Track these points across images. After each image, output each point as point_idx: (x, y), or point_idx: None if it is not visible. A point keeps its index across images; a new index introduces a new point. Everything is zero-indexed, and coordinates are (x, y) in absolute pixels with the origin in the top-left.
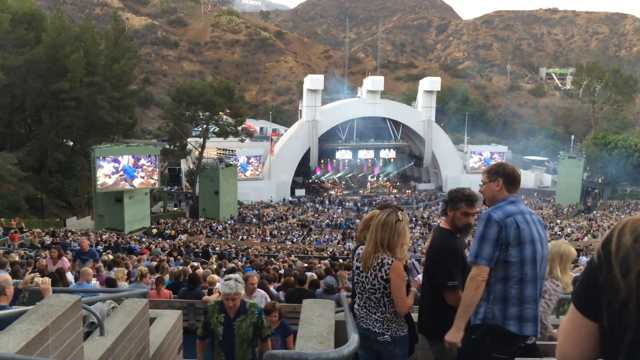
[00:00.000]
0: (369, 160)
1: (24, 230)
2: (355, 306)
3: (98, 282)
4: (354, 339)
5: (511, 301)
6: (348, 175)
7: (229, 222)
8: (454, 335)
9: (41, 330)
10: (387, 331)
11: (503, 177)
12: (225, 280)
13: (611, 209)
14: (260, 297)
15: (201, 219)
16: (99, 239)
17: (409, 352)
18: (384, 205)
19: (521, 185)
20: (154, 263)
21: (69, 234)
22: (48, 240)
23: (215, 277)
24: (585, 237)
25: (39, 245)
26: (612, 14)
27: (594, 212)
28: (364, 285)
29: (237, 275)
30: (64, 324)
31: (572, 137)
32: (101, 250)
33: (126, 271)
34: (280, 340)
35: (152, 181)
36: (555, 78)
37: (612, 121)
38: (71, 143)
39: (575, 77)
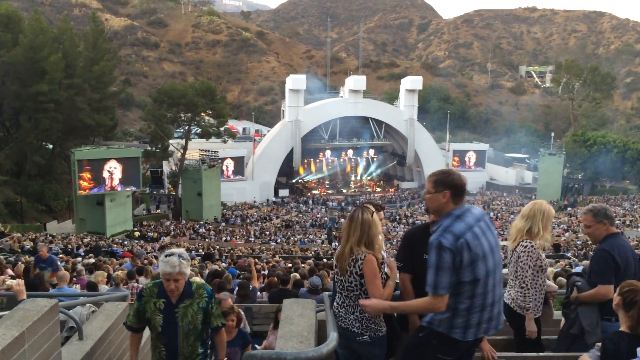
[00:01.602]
0: (352, 160)
1: (6, 234)
2: (335, 304)
3: (79, 286)
4: (332, 338)
5: (460, 313)
6: (331, 175)
7: (221, 224)
8: (376, 304)
9: (17, 335)
10: (366, 331)
11: (450, 189)
12: (166, 256)
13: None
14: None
15: (184, 221)
16: (80, 242)
17: (392, 351)
18: (366, 203)
19: (504, 182)
20: (139, 263)
21: (50, 237)
22: (28, 244)
23: (198, 279)
24: (566, 233)
25: (19, 250)
26: (590, 12)
27: (574, 208)
28: (342, 284)
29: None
30: (41, 328)
31: (552, 134)
32: (82, 253)
33: (106, 274)
34: (240, 353)
35: None
36: (534, 76)
37: (591, 118)
38: (51, 146)
39: (555, 75)
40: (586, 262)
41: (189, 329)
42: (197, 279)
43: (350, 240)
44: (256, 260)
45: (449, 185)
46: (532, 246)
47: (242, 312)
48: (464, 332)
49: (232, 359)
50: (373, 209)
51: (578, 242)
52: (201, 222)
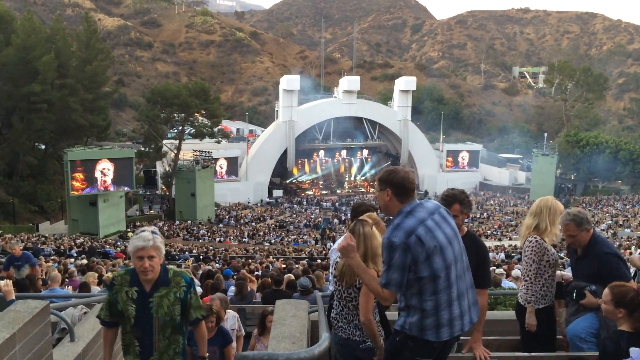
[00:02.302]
0: (346, 160)
1: None
2: (333, 314)
3: (71, 287)
4: (324, 338)
5: (427, 312)
6: (325, 175)
7: (218, 225)
8: (350, 250)
9: (7, 337)
10: (367, 338)
11: (391, 187)
12: (138, 232)
13: (584, 205)
14: (232, 318)
15: (177, 222)
16: (73, 243)
17: None
18: (359, 205)
19: (497, 183)
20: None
21: (42, 238)
22: (20, 245)
23: (175, 267)
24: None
25: (11, 251)
26: (583, 13)
27: (567, 209)
28: (341, 294)
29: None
30: (32, 330)
31: (545, 134)
32: (75, 254)
33: (97, 275)
34: (219, 352)
35: None
36: (527, 77)
37: (584, 119)
38: (43, 146)
39: (547, 76)
40: None
41: (165, 320)
42: (175, 267)
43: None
44: (250, 260)
45: (390, 183)
46: (536, 241)
47: (228, 312)
48: (437, 333)
49: (211, 358)
50: (371, 221)
51: None
52: (189, 222)
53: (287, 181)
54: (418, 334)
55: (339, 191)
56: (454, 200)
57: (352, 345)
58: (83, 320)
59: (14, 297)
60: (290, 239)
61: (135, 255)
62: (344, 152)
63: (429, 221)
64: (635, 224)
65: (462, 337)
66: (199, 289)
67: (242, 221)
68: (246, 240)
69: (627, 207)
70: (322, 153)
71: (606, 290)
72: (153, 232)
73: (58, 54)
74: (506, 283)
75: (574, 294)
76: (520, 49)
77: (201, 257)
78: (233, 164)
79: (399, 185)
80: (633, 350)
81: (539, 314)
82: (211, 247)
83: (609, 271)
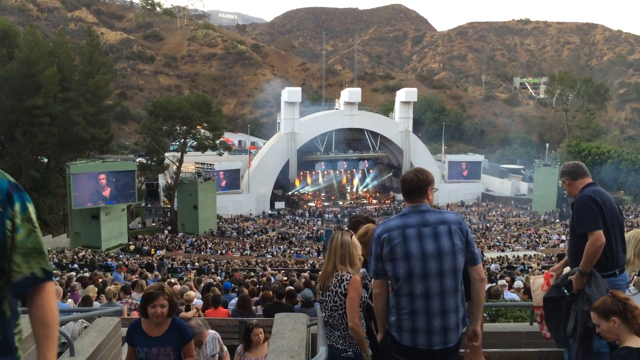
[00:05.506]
0: (348, 172)
1: None
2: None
3: (71, 300)
4: (322, 352)
5: (391, 310)
6: (327, 187)
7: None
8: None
9: None
10: (349, 347)
11: (401, 187)
12: None
13: None
14: (213, 340)
15: (180, 234)
16: (75, 256)
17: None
18: (355, 217)
19: (499, 194)
20: (134, 278)
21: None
22: None
23: (192, 293)
24: (562, 244)
25: None
26: (583, 24)
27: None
28: (327, 304)
29: None
30: (31, 345)
31: (547, 145)
32: (77, 268)
33: (96, 289)
34: (173, 354)
35: None
36: (529, 87)
37: (585, 129)
38: (46, 160)
39: (548, 86)
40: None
41: None
42: None
43: (332, 260)
44: (252, 273)
45: (400, 184)
46: None
47: (209, 332)
48: (400, 334)
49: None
50: (352, 232)
51: None
52: (176, 233)
53: (289, 193)
54: (389, 328)
55: (341, 203)
56: None
57: (335, 353)
58: (83, 335)
59: None
60: (292, 251)
61: None
62: (345, 164)
63: (411, 229)
64: None
65: (461, 350)
66: (199, 302)
67: (244, 233)
68: (248, 252)
69: (630, 217)
70: (324, 165)
71: (592, 314)
72: None
73: (61, 67)
74: (508, 295)
75: (565, 292)
76: (521, 60)
77: (204, 269)
78: (235, 176)
79: (402, 187)
80: None
81: None
82: (213, 260)
83: (575, 216)
